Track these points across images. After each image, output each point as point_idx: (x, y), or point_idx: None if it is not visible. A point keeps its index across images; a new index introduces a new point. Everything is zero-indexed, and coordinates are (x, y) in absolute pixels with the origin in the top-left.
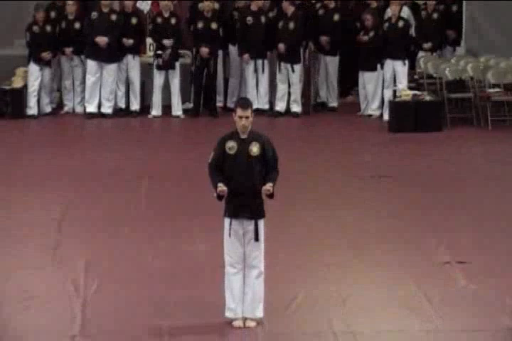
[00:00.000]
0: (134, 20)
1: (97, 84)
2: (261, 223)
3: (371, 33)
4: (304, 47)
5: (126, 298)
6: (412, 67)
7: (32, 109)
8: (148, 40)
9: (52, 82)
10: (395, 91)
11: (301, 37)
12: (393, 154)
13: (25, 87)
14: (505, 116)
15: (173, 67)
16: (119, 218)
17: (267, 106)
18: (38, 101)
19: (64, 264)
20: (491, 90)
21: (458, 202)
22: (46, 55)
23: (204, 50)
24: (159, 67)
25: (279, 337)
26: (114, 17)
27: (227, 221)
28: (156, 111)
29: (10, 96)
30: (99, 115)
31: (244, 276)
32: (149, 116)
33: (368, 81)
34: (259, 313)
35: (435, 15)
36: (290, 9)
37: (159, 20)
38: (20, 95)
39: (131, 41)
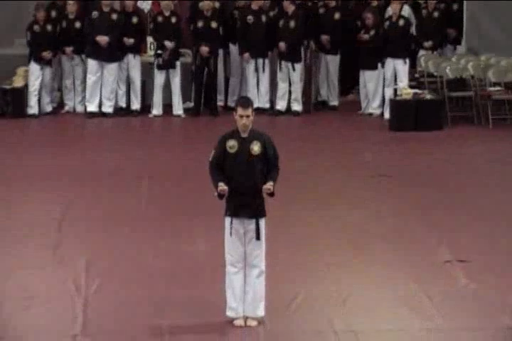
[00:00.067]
0: (134, 20)
1: (97, 84)
2: (262, 222)
3: (372, 32)
4: (306, 46)
5: (126, 298)
6: (412, 66)
7: (33, 109)
8: (149, 40)
9: (53, 81)
10: (395, 90)
11: (301, 36)
12: (394, 153)
13: (25, 86)
14: (505, 114)
15: (173, 67)
16: (120, 218)
17: (267, 105)
18: (39, 100)
19: (64, 264)
20: (492, 89)
21: (458, 201)
22: (47, 54)
23: (204, 49)
24: (159, 67)
25: (280, 336)
26: (114, 16)
27: (227, 220)
28: (156, 110)
29: (11, 96)
30: (100, 114)
31: (245, 275)
32: (150, 116)
33: (368, 80)
34: (261, 312)
35: (436, 14)
36: (291, 8)
37: (160, 19)
38: (20, 94)
39: (131, 40)
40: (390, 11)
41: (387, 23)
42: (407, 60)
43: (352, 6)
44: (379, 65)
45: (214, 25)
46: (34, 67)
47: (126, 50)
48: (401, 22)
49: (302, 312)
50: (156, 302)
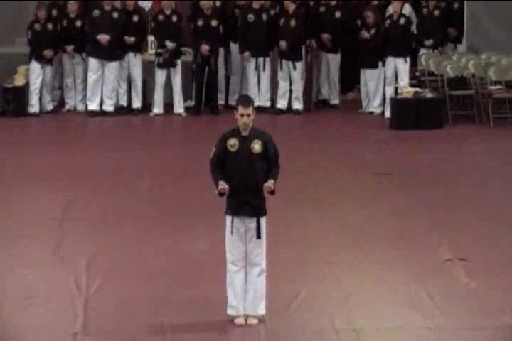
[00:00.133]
0: (135, 18)
1: (98, 82)
2: (263, 220)
3: (372, 31)
4: (307, 45)
5: (127, 297)
6: (413, 65)
7: (34, 107)
8: (150, 38)
9: (54, 80)
10: (396, 89)
11: (302, 34)
12: (394, 152)
13: (26, 85)
14: (506, 113)
15: (174, 66)
16: (120, 217)
17: (268, 104)
18: (40, 99)
19: (65, 263)
20: (493, 87)
21: (459, 199)
22: (48, 53)
23: (204, 48)
24: (160, 65)
25: (280, 334)
26: (115, 15)
27: (228, 218)
28: (157, 108)
29: (12, 94)
30: (101, 113)
31: (246, 274)
32: (151, 114)
33: (369, 78)
34: (261, 311)
35: (437, 13)
36: (291, 7)
37: (161, 18)
38: (21, 93)
39: (132, 39)
40: (390, 9)
41: (387, 21)
42: (408, 59)
43: (352, 5)
44: (380, 63)
45: (214, 23)
46: (35, 66)
47: (127, 49)
48: (402, 21)
49: (303, 311)
50: (157, 301)
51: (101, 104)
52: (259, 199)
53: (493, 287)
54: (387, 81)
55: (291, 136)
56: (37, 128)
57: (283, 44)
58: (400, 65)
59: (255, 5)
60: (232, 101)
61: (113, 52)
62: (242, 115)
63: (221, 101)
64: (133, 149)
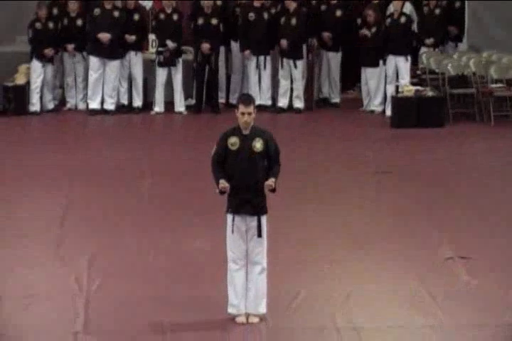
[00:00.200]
0: (136, 17)
1: (99, 81)
2: (264, 219)
3: (373, 29)
4: (308, 44)
5: (128, 296)
6: (414, 63)
7: (34, 106)
8: (151, 37)
9: (55, 78)
10: (397, 87)
11: (303, 33)
12: (395, 150)
13: (27, 83)
14: (507, 111)
15: (174, 64)
16: (121, 216)
17: (269, 102)
18: (41, 97)
19: (65, 263)
20: (494, 85)
21: (460, 197)
22: (49, 51)
23: (205, 46)
24: (161, 64)
25: (282, 333)
26: (116, 13)
27: (229, 217)
28: (158, 107)
29: (13, 93)
30: (102, 111)
31: (247, 272)
32: (152, 113)
33: (370, 77)
34: (262, 309)
35: (437, 11)
36: (292, 5)
37: (162, 16)
38: (22, 92)
39: (133, 38)
40: (391, 8)
41: (388, 20)
42: (409, 57)
43: (352, 4)
44: (380, 62)
45: (214, 22)
46: (36, 65)
47: (128, 48)
48: (403, 19)
49: (304, 310)
50: (157, 300)
51: (102, 102)
52: (260, 197)
53: (494, 286)
54: (388, 79)
55: (291, 135)
56: (38, 127)
57: (284, 42)
58: (401, 64)
59: (256, 3)
60: (233, 100)
61: (114, 51)
62: (243, 113)
63: (222, 100)
64: (133, 148)
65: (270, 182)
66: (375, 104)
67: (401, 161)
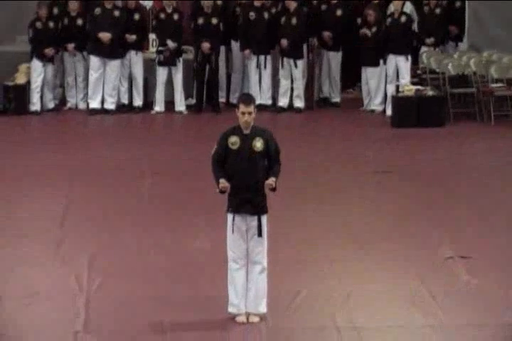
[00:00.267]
0: (136, 16)
1: (100, 80)
2: (264, 218)
3: (374, 29)
4: (309, 43)
5: (128, 295)
6: (414, 63)
7: (35, 105)
8: (151, 36)
9: (55, 78)
10: (397, 87)
11: (303, 32)
12: (395, 150)
13: (28, 83)
14: (508, 111)
15: (175, 64)
16: (122, 216)
17: (269, 102)
18: (41, 97)
19: (66, 262)
20: (494, 85)
21: (460, 197)
22: (49, 51)
23: (205, 46)
24: (161, 63)
25: (282, 332)
26: (117, 13)
27: (230, 217)
28: (158, 106)
29: (13, 93)
30: (102, 111)
31: (248, 272)
32: (152, 112)
33: (370, 76)
34: (263, 309)
35: (438, 11)
36: (292, 5)
37: (162, 16)
38: (23, 91)
39: (133, 37)
40: (391, 7)
41: (389, 19)
42: (409, 57)
43: (353, 3)
44: (381, 61)
45: (215, 21)
46: (36, 64)
47: (129, 47)
48: (403, 19)
49: (304, 309)
50: (158, 299)
51: (102, 102)
52: (261, 197)
53: (494, 285)
54: (389, 79)
55: (292, 135)
56: (38, 126)
57: (284, 42)
58: (401, 63)
59: (257, 3)
60: (233, 99)
61: (114, 51)
62: (243, 113)
63: (222, 99)
64: (134, 148)
65: (271, 181)
66: (375, 104)
67: (401, 161)
